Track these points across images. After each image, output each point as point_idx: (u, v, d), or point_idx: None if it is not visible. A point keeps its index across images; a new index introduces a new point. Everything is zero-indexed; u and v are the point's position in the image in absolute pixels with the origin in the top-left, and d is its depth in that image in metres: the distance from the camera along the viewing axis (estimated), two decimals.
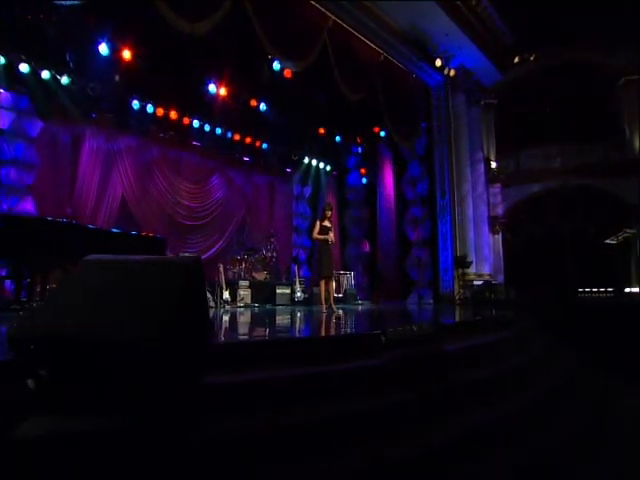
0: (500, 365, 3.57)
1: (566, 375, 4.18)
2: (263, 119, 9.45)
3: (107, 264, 1.89)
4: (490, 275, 9.53)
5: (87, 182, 8.95)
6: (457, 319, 4.73)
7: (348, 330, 3.72)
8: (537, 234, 9.67)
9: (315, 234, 6.06)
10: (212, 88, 8.41)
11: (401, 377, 2.93)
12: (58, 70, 7.22)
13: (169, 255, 8.40)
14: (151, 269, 1.82)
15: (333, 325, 4.15)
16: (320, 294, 6.29)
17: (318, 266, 6.16)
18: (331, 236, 6.01)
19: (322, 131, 10.43)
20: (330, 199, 12.38)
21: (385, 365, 3.03)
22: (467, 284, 8.98)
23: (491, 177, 10.26)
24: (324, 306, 6.24)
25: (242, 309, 7.80)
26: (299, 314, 6.25)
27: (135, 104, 8.34)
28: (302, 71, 8.14)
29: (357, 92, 8.60)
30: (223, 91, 8.56)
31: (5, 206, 7.58)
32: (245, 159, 11.33)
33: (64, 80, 7.34)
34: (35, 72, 7.11)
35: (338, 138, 10.94)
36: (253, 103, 9.03)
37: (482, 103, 10.42)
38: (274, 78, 8.14)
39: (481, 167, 10.06)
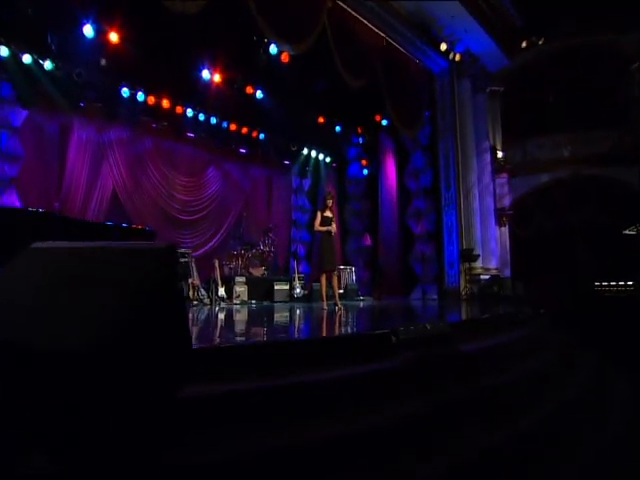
0: (524, 366, 3.21)
1: (590, 375, 3.83)
2: (260, 108, 9.02)
3: (57, 252, 1.51)
4: (497, 269, 9.17)
5: (76, 175, 8.54)
6: (470, 316, 4.37)
7: (352, 329, 3.35)
8: (546, 226, 9.30)
9: (316, 225, 5.72)
10: (206, 74, 7.98)
11: (417, 383, 2.57)
12: (40, 54, 6.78)
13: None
14: (112, 258, 1.43)
15: (335, 323, 3.79)
16: (321, 289, 5.94)
17: (319, 259, 5.80)
18: (333, 227, 5.67)
19: (321, 120, 10.01)
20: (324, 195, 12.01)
21: (398, 369, 2.67)
22: (473, 279, 8.62)
23: (497, 167, 9.88)
24: (325, 302, 5.89)
25: (238, 306, 7.43)
26: (298, 311, 5.88)
27: (125, 92, 7.91)
28: (300, 56, 7.71)
29: (358, 78, 8.18)
30: (217, 77, 8.13)
31: None
32: (242, 151, 10.91)
33: (47, 65, 6.90)
34: (15, 56, 6.68)
35: (338, 128, 10.53)
36: (249, 90, 8.61)
37: (488, 90, 10.01)
38: (271, 63, 7.71)
39: (487, 157, 9.67)
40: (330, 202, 5.83)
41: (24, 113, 7.63)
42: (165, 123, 9.23)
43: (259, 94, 8.76)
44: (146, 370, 1.32)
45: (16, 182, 7.61)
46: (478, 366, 3.04)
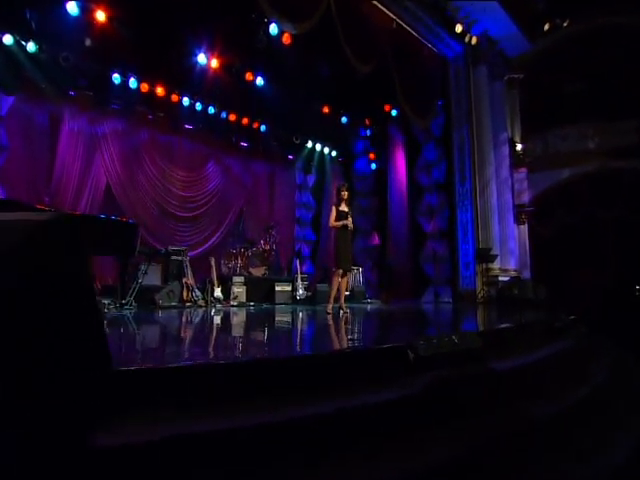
0: (575, 389, 2.56)
1: None
2: (260, 96, 8.44)
3: None
4: (516, 270, 8.46)
5: (67, 168, 8.06)
6: (497, 323, 3.71)
7: (355, 340, 2.72)
8: (570, 224, 8.55)
9: (332, 221, 5.21)
10: (202, 59, 7.43)
11: (443, 418, 1.94)
12: (22, 35, 6.28)
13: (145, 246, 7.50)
14: None
15: (336, 333, 3.17)
16: (331, 290, 5.34)
17: (336, 257, 5.23)
18: (350, 221, 5.15)
19: (326, 110, 9.40)
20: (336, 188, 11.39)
21: (417, 398, 2.04)
22: (491, 281, 7.92)
23: (516, 161, 9.16)
24: (331, 305, 5.28)
25: (235, 309, 6.85)
26: (297, 316, 5.27)
27: (116, 78, 7.39)
28: (303, 38, 7.12)
29: (366, 63, 7.57)
30: (215, 62, 7.57)
31: None
32: (243, 144, 10.36)
33: (30, 47, 6.40)
34: None
35: (344, 119, 9.90)
36: (249, 77, 8.03)
37: (506, 78, 9.30)
38: (271, 45, 7.13)
39: (505, 149, 8.97)
40: (345, 194, 5.31)
41: (9, 100, 7.16)
42: (161, 114, 8.72)
43: (259, 81, 8.18)
44: (31, 401, 0.75)
45: (1, 174, 7.15)
46: (519, 390, 2.40)
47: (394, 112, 9.48)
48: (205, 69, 7.65)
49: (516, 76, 9.40)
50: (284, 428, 1.58)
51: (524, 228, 9.23)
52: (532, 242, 9.18)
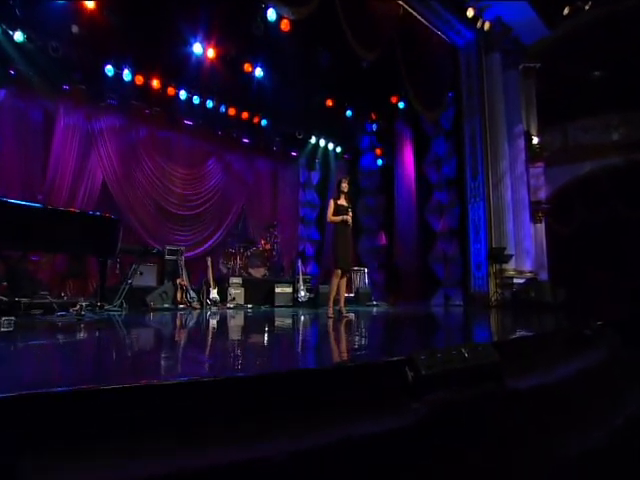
0: (617, 412, 2.08)
1: None
2: (260, 89, 8.07)
3: None
4: (532, 272, 7.89)
5: (62, 165, 7.82)
6: (516, 330, 3.23)
7: (342, 352, 2.28)
8: (591, 222, 7.95)
9: (330, 215, 4.79)
10: (197, 49, 7.10)
11: (452, 457, 1.51)
12: (8, 24, 6.03)
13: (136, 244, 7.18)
14: None
15: (327, 343, 2.74)
16: (331, 292, 4.92)
17: (334, 256, 4.81)
18: (350, 217, 4.73)
19: (330, 103, 8.98)
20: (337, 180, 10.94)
21: (416, 431, 1.61)
22: (505, 282, 7.38)
23: (532, 155, 8.59)
24: (331, 308, 4.87)
25: (231, 311, 6.47)
26: (294, 320, 4.85)
27: (109, 70, 7.10)
28: (302, 25, 6.75)
29: (371, 51, 7.16)
30: (211, 52, 7.24)
31: None
32: (244, 140, 10.02)
33: (18, 37, 6.14)
34: None
35: (349, 112, 9.46)
36: (247, 68, 7.67)
37: (521, 67, 8.74)
38: (269, 33, 6.75)
39: (520, 143, 8.40)
40: (345, 187, 4.88)
41: (0, 95, 6.95)
42: (158, 108, 8.42)
43: (259, 72, 7.81)
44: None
45: None
46: (543, 419, 1.93)
47: (401, 104, 9.01)
48: (201, 60, 7.32)
49: (532, 65, 8.83)
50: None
51: (541, 226, 8.65)
52: (550, 241, 8.59)
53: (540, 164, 8.82)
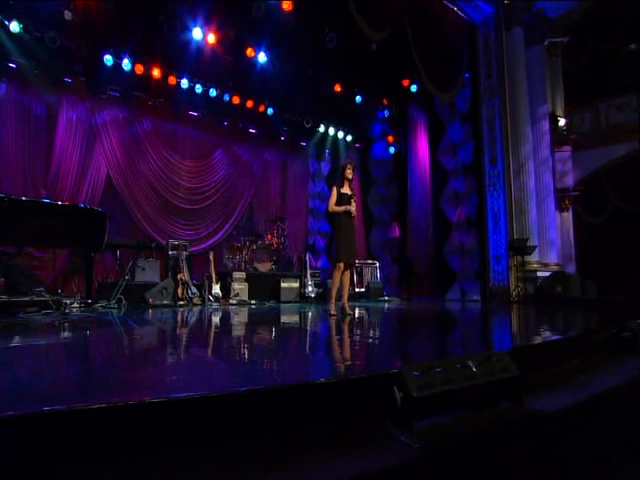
0: None
1: None
2: (264, 75, 7.72)
3: None
4: (558, 264, 7.30)
5: (65, 159, 7.73)
6: (541, 334, 2.79)
7: (326, 365, 1.92)
8: (625, 210, 7.26)
9: (332, 205, 4.43)
10: (197, 34, 6.79)
11: None
12: (5, 14, 5.87)
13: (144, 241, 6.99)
14: None
15: (310, 349, 2.39)
16: (333, 287, 4.60)
17: (337, 248, 4.49)
18: (353, 206, 4.36)
19: (338, 89, 8.53)
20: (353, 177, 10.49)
21: (404, 473, 1.25)
22: (527, 276, 6.83)
23: (558, 138, 7.92)
24: (333, 305, 4.53)
25: (234, 307, 6.21)
26: (293, 318, 4.53)
27: (108, 59, 6.89)
28: (306, 5, 6.36)
29: (380, 30, 6.69)
30: (211, 38, 6.93)
31: None
32: (251, 131, 9.72)
33: (14, 27, 5.99)
34: None
35: (359, 98, 8.99)
36: (250, 53, 7.32)
37: (546, 43, 8.04)
38: (271, 15, 6.38)
39: (545, 125, 7.75)
40: (350, 173, 4.49)
41: (1, 89, 6.86)
42: (161, 99, 8.19)
43: (262, 57, 7.44)
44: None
45: None
46: (584, 449, 1.53)
47: (414, 88, 8.47)
48: (202, 46, 7.03)
49: (559, 40, 8.11)
50: None
51: (568, 215, 8.00)
52: (578, 231, 7.93)
53: (567, 148, 8.14)
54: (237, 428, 1.25)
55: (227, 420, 1.23)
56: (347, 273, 4.57)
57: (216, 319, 4.26)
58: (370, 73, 8.10)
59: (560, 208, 8.01)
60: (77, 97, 7.75)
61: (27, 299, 3.54)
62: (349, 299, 4.75)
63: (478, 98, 7.82)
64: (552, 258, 7.25)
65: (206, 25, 6.76)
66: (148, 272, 6.78)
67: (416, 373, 1.52)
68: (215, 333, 3.14)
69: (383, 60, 7.60)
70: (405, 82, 8.47)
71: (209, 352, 2.19)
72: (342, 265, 4.44)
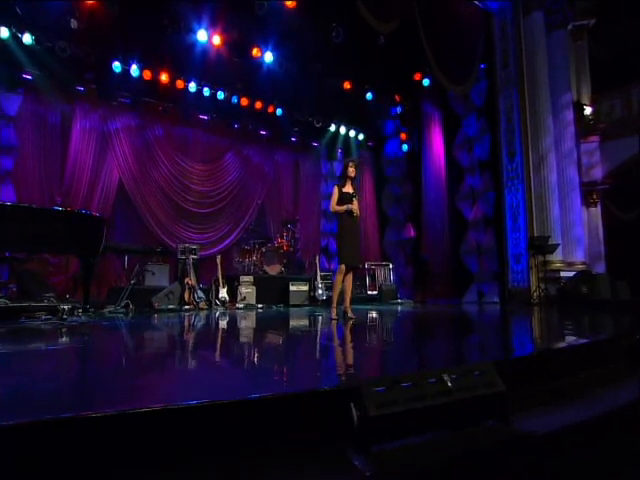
0: None
1: None
2: (271, 75, 7.62)
3: None
4: (585, 263, 6.78)
5: (79, 166, 7.90)
6: (545, 340, 2.50)
7: (295, 379, 1.74)
8: None
9: (333, 204, 4.30)
10: (202, 37, 6.78)
11: None
12: (17, 26, 6.05)
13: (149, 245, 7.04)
14: None
15: (293, 358, 2.21)
16: (334, 290, 4.46)
17: (339, 250, 4.40)
18: (354, 206, 4.21)
19: (348, 86, 8.32)
20: (366, 176, 10.26)
21: None
22: (550, 276, 6.38)
23: (584, 128, 7.39)
24: (335, 309, 4.39)
25: (240, 311, 6.14)
26: (285, 323, 4.37)
27: (116, 67, 6.99)
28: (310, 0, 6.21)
29: (387, 22, 6.46)
30: (217, 39, 6.90)
31: None
32: (262, 132, 9.66)
33: (27, 39, 6.17)
34: None
35: (369, 95, 8.74)
36: (256, 53, 7.24)
37: (570, 26, 7.52)
38: (274, 13, 6.28)
39: (568, 114, 7.24)
40: (352, 172, 4.35)
41: (18, 100, 7.10)
42: (170, 104, 8.25)
43: (268, 57, 7.35)
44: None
45: (12, 175, 7.12)
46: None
47: (426, 81, 8.14)
48: (207, 49, 7.01)
49: (584, 22, 7.57)
50: None
51: (596, 211, 7.45)
52: (607, 228, 7.36)
53: (594, 138, 7.58)
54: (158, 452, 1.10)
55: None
56: (349, 276, 4.42)
57: (209, 325, 4.17)
58: (380, 68, 7.85)
59: (587, 203, 7.47)
60: (90, 105, 7.91)
61: (25, 304, 3.57)
62: (351, 302, 4.56)
63: (494, 90, 7.41)
64: (578, 257, 6.75)
65: (210, 27, 6.74)
66: (158, 276, 6.82)
67: (378, 389, 1.33)
68: (179, 342, 3.02)
69: (393, 54, 7.34)
70: (417, 76, 8.16)
71: (170, 363, 2.06)
72: (344, 268, 4.29)
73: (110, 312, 5.25)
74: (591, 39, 7.62)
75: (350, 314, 4.30)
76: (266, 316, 5.18)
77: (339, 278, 4.34)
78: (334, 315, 4.33)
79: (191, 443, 1.14)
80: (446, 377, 1.45)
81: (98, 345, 2.75)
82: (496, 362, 1.51)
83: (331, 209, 4.40)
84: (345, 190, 4.34)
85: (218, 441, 1.19)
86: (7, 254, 4.80)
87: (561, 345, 2.52)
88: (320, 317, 4.89)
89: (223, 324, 4.25)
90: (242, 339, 2.88)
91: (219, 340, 3.04)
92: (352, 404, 1.30)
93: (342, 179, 4.45)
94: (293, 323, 4.38)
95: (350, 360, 2.02)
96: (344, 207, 4.24)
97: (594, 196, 7.41)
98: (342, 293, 4.41)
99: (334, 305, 4.42)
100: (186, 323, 4.28)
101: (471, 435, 1.39)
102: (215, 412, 1.19)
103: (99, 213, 7.91)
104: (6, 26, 6.05)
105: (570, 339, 2.74)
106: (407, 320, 4.67)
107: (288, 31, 6.79)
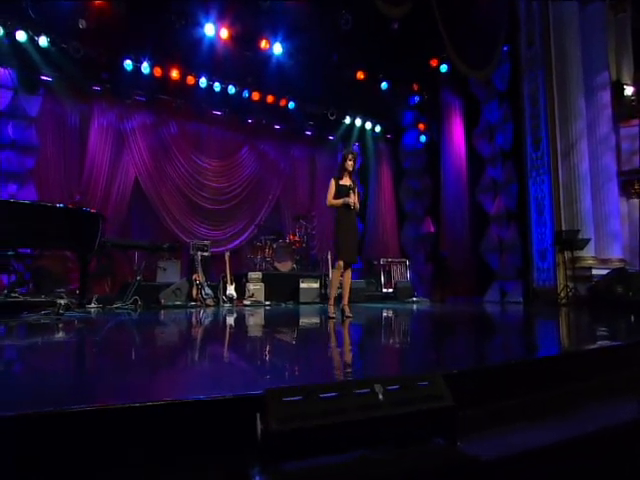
0: None
1: None
2: (282, 67, 7.46)
3: None
4: (622, 260, 6.14)
5: (97, 165, 8.11)
6: (540, 344, 2.16)
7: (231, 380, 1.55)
8: None
9: (329, 198, 4.13)
10: (210, 31, 6.71)
11: None
12: (33, 29, 6.24)
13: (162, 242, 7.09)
14: None
15: (268, 360, 2.03)
16: (331, 287, 4.35)
17: (336, 245, 4.20)
18: (352, 199, 4.02)
19: (361, 76, 8.00)
20: (384, 170, 9.88)
21: None
22: (580, 274, 5.82)
23: (623, 110, 6.67)
24: (332, 307, 4.21)
25: (248, 308, 6.05)
26: (280, 321, 4.20)
27: (127, 65, 7.08)
28: None
29: (397, 5, 6.10)
30: (224, 33, 6.82)
31: (5, 194, 6.97)
32: (276, 127, 9.54)
33: (43, 42, 6.35)
34: (10, 35, 6.24)
35: (385, 85, 8.37)
36: (264, 45, 7.10)
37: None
38: (281, 2, 6.09)
39: (605, 96, 6.57)
40: (350, 164, 4.14)
41: (38, 101, 7.35)
42: (183, 100, 8.28)
43: (277, 49, 7.18)
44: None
45: (34, 175, 7.40)
46: None
47: (443, 68, 7.66)
48: (216, 42, 6.94)
49: None
50: None
51: (636, 203, 6.72)
52: None
53: (637, 122, 6.83)
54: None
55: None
56: (348, 272, 4.24)
57: (205, 322, 4.07)
58: (394, 56, 7.46)
59: (627, 194, 6.76)
60: (106, 104, 8.08)
61: (21, 299, 3.62)
62: (350, 300, 4.34)
63: (518, 73, 6.86)
64: (614, 253, 6.11)
65: (218, 20, 6.66)
66: (169, 273, 6.87)
67: (288, 398, 1.13)
68: (193, 337, 2.91)
69: (407, 40, 6.95)
70: (433, 62, 7.70)
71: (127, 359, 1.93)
72: (342, 264, 4.10)
73: (117, 308, 5.32)
74: (634, 10, 6.86)
75: (348, 312, 4.10)
76: (266, 315, 5.04)
77: (336, 275, 4.18)
78: (332, 313, 4.16)
79: None
80: (378, 388, 1.22)
81: (74, 340, 2.69)
82: (447, 373, 1.25)
83: (327, 203, 4.20)
84: (342, 183, 4.13)
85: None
86: (19, 251, 4.93)
87: (548, 354, 2.17)
88: (320, 317, 4.69)
89: (207, 323, 4.14)
90: (203, 338, 2.73)
91: (176, 340, 2.92)
92: (257, 415, 1.11)
93: (339, 171, 4.23)
94: (280, 321, 4.22)
95: (301, 365, 1.80)
96: (340, 201, 4.05)
97: (636, 186, 6.68)
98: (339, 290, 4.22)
99: (331, 303, 4.25)
100: (180, 320, 4.21)
101: (408, 455, 1.15)
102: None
103: (116, 210, 8.18)
104: (23, 29, 6.27)
105: (592, 340, 2.38)
106: (407, 320, 4.37)
107: (295, 21, 6.58)
